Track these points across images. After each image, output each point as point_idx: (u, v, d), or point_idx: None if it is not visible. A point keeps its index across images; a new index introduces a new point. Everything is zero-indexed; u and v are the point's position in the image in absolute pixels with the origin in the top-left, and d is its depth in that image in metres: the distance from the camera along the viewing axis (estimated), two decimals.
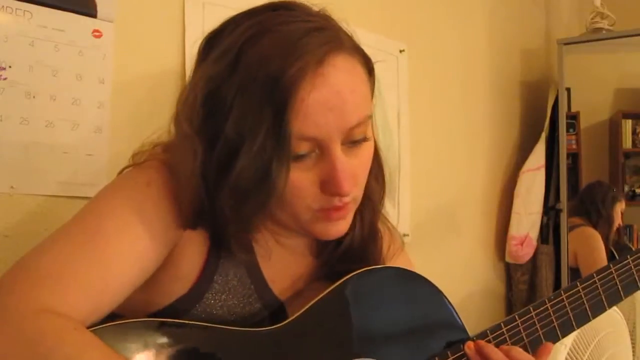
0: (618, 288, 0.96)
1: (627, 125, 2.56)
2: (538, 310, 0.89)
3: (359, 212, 0.82)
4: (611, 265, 0.96)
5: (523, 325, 0.88)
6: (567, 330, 0.91)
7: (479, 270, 2.29)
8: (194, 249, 0.76)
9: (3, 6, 1.01)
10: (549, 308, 0.90)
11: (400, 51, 1.84)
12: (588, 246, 2.40)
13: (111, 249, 0.69)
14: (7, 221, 1.01)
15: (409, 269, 0.87)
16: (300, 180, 0.71)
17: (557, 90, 2.39)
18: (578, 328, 0.92)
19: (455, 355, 0.84)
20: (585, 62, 2.51)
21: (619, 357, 1.40)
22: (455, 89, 2.12)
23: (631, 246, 2.52)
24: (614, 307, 1.13)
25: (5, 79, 1.01)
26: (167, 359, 0.69)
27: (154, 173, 0.75)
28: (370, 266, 0.83)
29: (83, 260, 0.67)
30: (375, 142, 0.80)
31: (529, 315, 0.88)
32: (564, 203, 2.32)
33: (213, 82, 0.70)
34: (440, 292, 0.86)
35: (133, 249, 0.70)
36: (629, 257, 0.98)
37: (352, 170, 0.73)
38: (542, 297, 0.91)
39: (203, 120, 0.71)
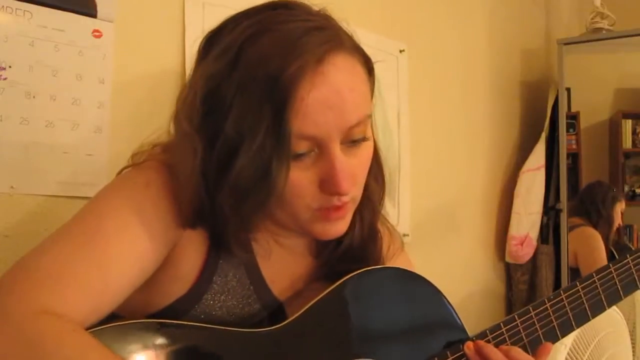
0: (618, 288, 0.96)
1: (627, 125, 2.56)
2: (537, 310, 0.89)
3: (359, 212, 0.82)
4: (611, 265, 0.96)
5: (522, 325, 0.88)
6: (566, 330, 0.91)
7: (479, 270, 2.29)
8: (193, 249, 0.76)
9: (3, 6, 1.01)
10: (549, 308, 0.90)
11: (400, 51, 1.84)
12: (588, 246, 2.40)
13: (111, 249, 0.69)
14: (7, 221, 1.01)
15: (408, 269, 0.87)
16: (300, 179, 0.71)
17: (557, 90, 2.38)
18: (578, 328, 0.92)
19: (455, 356, 0.84)
20: (585, 62, 2.51)
21: (619, 357, 1.40)
22: (455, 89, 2.12)
23: (631, 246, 2.52)
24: (614, 307, 1.13)
25: (5, 79, 1.01)
26: None
27: (153, 173, 0.75)
28: (369, 266, 0.83)
29: (83, 261, 0.67)
30: (374, 142, 0.80)
31: (528, 315, 0.88)
32: (564, 203, 2.32)
33: (213, 80, 0.70)
34: (439, 292, 0.86)
35: (133, 249, 0.70)
36: (628, 256, 0.98)
37: (351, 170, 0.73)
38: (542, 297, 0.91)
39: (203, 119, 0.71)
